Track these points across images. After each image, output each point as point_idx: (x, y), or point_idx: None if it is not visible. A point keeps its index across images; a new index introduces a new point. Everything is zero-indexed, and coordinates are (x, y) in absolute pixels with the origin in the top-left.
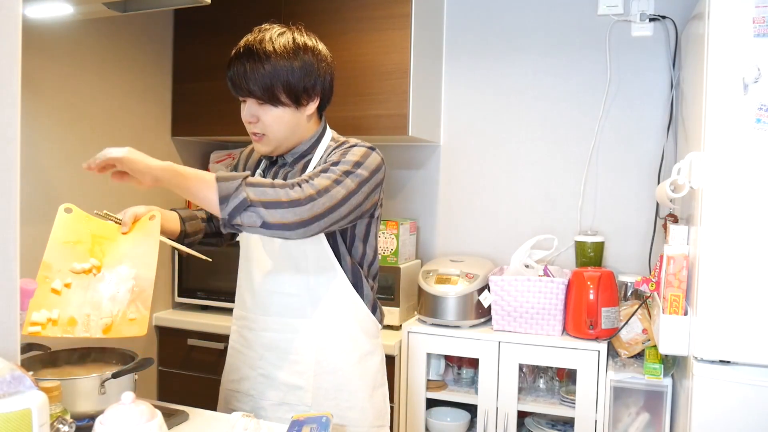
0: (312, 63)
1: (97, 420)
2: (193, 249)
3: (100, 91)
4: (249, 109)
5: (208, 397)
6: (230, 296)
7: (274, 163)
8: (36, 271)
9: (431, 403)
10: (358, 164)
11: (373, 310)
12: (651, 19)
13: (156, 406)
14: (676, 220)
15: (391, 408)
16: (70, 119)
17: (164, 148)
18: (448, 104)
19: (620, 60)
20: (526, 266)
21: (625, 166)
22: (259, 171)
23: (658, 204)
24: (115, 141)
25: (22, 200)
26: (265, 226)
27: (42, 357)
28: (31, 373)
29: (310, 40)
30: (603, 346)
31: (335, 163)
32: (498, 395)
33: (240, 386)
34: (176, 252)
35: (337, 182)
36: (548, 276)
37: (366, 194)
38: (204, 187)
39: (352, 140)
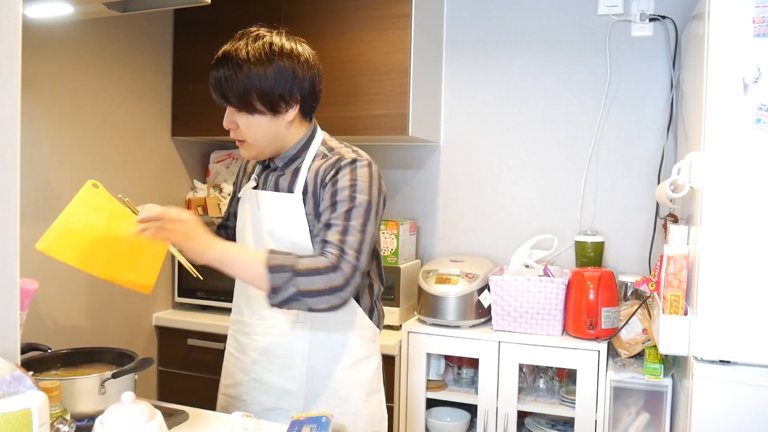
0: (287, 68)
1: (97, 420)
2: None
3: (100, 91)
4: (228, 116)
5: (208, 397)
6: (230, 296)
7: (267, 167)
8: (36, 271)
9: (431, 403)
10: (369, 204)
11: (371, 315)
12: (651, 19)
13: (156, 406)
14: (676, 220)
15: (391, 408)
16: (70, 119)
17: (164, 148)
18: (448, 104)
19: (620, 60)
20: (526, 266)
21: (625, 166)
22: (254, 176)
23: (658, 204)
24: (114, 141)
25: (22, 200)
26: (312, 311)
27: (42, 357)
28: (31, 373)
29: (289, 44)
30: (603, 346)
31: (349, 212)
32: (498, 395)
33: (234, 391)
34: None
35: (361, 243)
36: (548, 276)
37: (379, 221)
38: (256, 278)
39: (345, 153)
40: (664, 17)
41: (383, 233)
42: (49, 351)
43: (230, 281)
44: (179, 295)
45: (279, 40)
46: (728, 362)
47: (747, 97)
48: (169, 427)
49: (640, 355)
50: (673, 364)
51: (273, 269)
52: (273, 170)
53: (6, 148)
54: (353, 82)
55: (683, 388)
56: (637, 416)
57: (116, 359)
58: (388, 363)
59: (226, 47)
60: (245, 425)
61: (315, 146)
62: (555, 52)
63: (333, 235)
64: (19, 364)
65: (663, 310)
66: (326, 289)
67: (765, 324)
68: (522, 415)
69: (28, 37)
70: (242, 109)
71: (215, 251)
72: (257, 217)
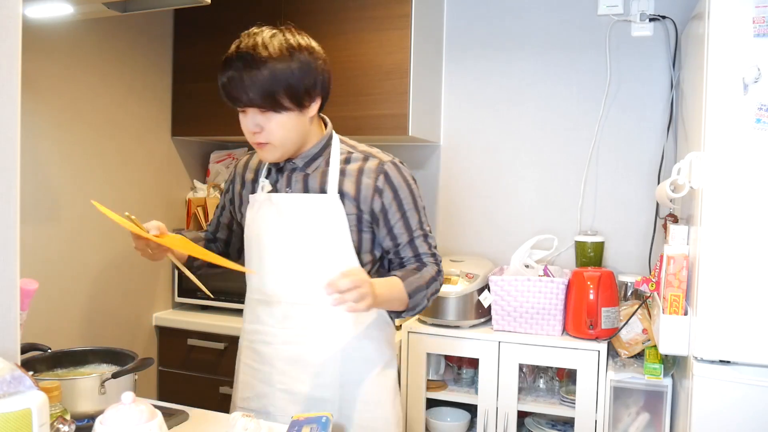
0: (310, 62)
1: (97, 420)
2: (200, 271)
3: (100, 91)
4: (251, 119)
5: (208, 397)
6: (230, 296)
7: (280, 168)
8: (36, 271)
9: (431, 403)
10: (422, 203)
11: (392, 318)
12: (651, 19)
13: (156, 406)
14: (676, 220)
15: None
16: (70, 119)
17: (164, 148)
18: (448, 104)
19: (620, 60)
20: (526, 266)
21: (625, 166)
22: (262, 178)
23: (658, 204)
24: (114, 141)
25: (22, 200)
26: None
27: (42, 357)
28: (31, 373)
29: (303, 39)
30: (603, 346)
31: (420, 219)
32: (498, 395)
33: (256, 404)
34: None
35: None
36: (548, 276)
37: None
38: (401, 306)
39: (375, 152)
40: (664, 17)
41: None
42: (49, 351)
43: (230, 281)
44: (179, 295)
45: (293, 36)
46: (728, 362)
47: (747, 97)
48: (169, 427)
49: (640, 355)
50: (673, 364)
51: (412, 294)
52: (292, 170)
53: (6, 148)
54: (353, 82)
55: (683, 388)
56: (637, 416)
57: (116, 359)
58: None
59: (240, 46)
60: (245, 425)
61: (336, 144)
62: (555, 52)
63: (422, 246)
64: (19, 364)
65: (663, 310)
66: (438, 290)
67: (765, 324)
68: (522, 415)
69: (28, 37)
70: (269, 109)
71: (383, 303)
72: (280, 221)
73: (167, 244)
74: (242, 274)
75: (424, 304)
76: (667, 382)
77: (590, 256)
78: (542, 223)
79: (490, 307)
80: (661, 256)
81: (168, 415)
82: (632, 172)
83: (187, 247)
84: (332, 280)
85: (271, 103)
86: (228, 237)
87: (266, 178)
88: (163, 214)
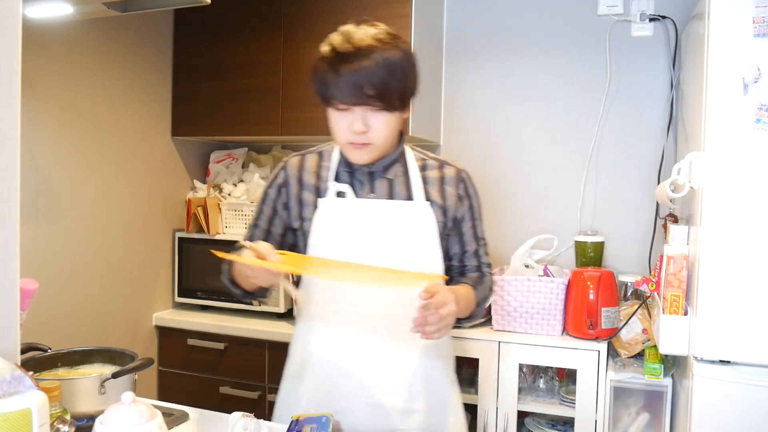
0: (414, 62)
1: (97, 420)
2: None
3: (100, 91)
4: (361, 118)
5: (208, 397)
6: (230, 296)
7: (351, 172)
8: (36, 271)
9: None
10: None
11: None
12: (651, 19)
13: (156, 406)
14: (676, 220)
15: None
16: (70, 119)
17: (164, 148)
18: (448, 104)
19: (620, 60)
20: (526, 266)
21: (625, 166)
22: (332, 181)
23: (658, 204)
24: (115, 141)
25: (22, 200)
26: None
27: (42, 357)
28: (31, 373)
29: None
30: (603, 346)
31: (482, 229)
32: (498, 395)
33: (338, 419)
34: (176, 251)
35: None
36: (548, 276)
37: None
38: (466, 313)
39: (447, 160)
40: (664, 17)
41: None
42: (49, 351)
43: None
44: (179, 295)
45: (390, 31)
46: (728, 362)
47: (747, 97)
48: (169, 427)
49: (640, 355)
50: (673, 364)
51: (479, 303)
52: (370, 174)
53: (6, 148)
54: None
55: (683, 388)
56: (637, 416)
57: (116, 359)
58: None
59: (355, 41)
60: (245, 425)
61: (408, 150)
62: (555, 52)
63: (484, 256)
64: (19, 364)
65: (663, 310)
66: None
67: (765, 324)
68: (522, 415)
69: (28, 37)
70: (382, 107)
71: (458, 311)
72: (364, 227)
73: (294, 268)
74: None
75: (481, 314)
76: (667, 382)
77: (590, 256)
78: (542, 223)
79: (490, 307)
80: (661, 256)
81: (168, 415)
82: (632, 172)
83: (303, 262)
84: (419, 319)
85: (386, 101)
86: (277, 248)
87: (336, 181)
88: (163, 214)
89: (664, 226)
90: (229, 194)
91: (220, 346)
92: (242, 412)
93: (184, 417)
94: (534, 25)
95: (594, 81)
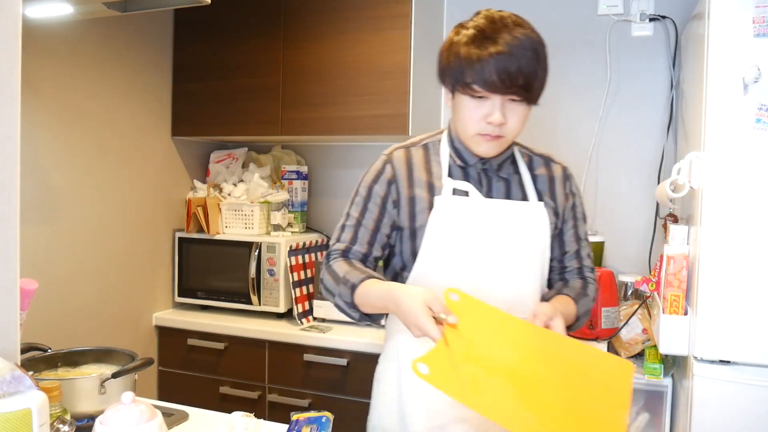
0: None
1: (97, 420)
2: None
3: (100, 90)
4: (500, 108)
5: (208, 397)
6: (230, 296)
7: (464, 167)
8: (36, 271)
9: None
10: None
11: None
12: (651, 19)
13: (156, 406)
14: (676, 220)
15: None
16: (70, 119)
17: (164, 147)
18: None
19: (620, 60)
20: None
21: (625, 166)
22: (446, 179)
23: (658, 204)
24: (114, 141)
25: (22, 200)
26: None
27: (42, 357)
28: (31, 373)
29: None
30: (603, 346)
31: (586, 233)
32: None
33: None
34: (176, 251)
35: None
36: None
37: None
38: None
39: (552, 155)
40: (664, 17)
41: None
42: (49, 351)
43: (230, 281)
44: (179, 295)
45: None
46: (728, 362)
47: (747, 97)
48: (169, 427)
49: (640, 355)
50: (673, 364)
51: (580, 317)
52: (484, 172)
53: (6, 148)
54: (353, 82)
55: (683, 388)
56: (637, 416)
57: (116, 359)
58: None
59: (508, 24)
60: (245, 425)
61: (514, 148)
62: (555, 52)
63: (586, 259)
64: (19, 364)
65: (663, 310)
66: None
67: (765, 324)
68: None
69: (28, 37)
70: (528, 101)
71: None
72: (484, 230)
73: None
74: (243, 274)
75: (580, 327)
76: (667, 382)
77: None
78: None
79: None
80: (661, 256)
81: (168, 415)
82: (632, 172)
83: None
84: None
85: (532, 91)
86: (383, 252)
87: (449, 177)
88: (163, 214)
89: (664, 226)
90: (229, 194)
91: (220, 346)
92: (242, 412)
93: (184, 417)
94: (534, 25)
95: (594, 81)
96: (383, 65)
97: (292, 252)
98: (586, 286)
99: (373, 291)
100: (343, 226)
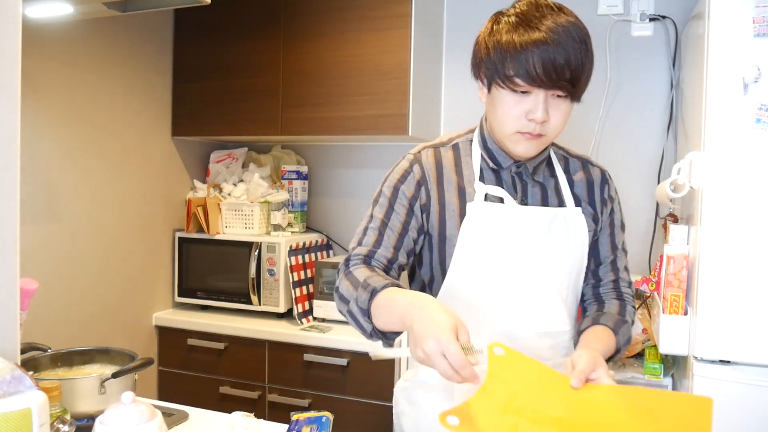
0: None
1: (97, 420)
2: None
3: (100, 90)
4: (543, 104)
5: (208, 397)
6: (230, 296)
7: (496, 170)
8: (36, 271)
9: None
10: None
11: None
12: (651, 19)
13: (156, 406)
14: (676, 220)
15: (390, 408)
16: (70, 119)
17: (164, 148)
18: (448, 104)
19: (620, 60)
20: None
21: (625, 166)
22: (478, 183)
23: (658, 204)
24: (114, 141)
25: (22, 200)
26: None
27: (42, 357)
28: (31, 373)
29: None
30: None
31: (623, 243)
32: None
33: None
34: (176, 250)
35: None
36: None
37: None
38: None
39: (588, 157)
40: (664, 17)
41: None
42: (49, 351)
43: (230, 281)
44: (179, 295)
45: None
46: (728, 362)
47: (747, 97)
48: (169, 427)
49: (640, 355)
50: (673, 364)
51: (620, 349)
52: (519, 177)
53: (6, 148)
54: (353, 82)
55: (683, 388)
56: None
57: (116, 359)
58: (389, 363)
59: (562, 14)
60: (245, 425)
61: (550, 149)
62: None
63: (623, 272)
64: (19, 364)
65: (663, 310)
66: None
67: (765, 324)
68: None
69: (28, 37)
70: (571, 96)
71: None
72: (517, 239)
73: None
74: (243, 274)
75: (617, 358)
76: (667, 382)
77: None
78: None
79: None
80: (661, 256)
81: (168, 415)
82: (632, 172)
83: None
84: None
85: (578, 87)
86: (408, 260)
87: (480, 182)
88: (163, 214)
89: (664, 226)
90: (229, 194)
91: (220, 345)
92: (242, 412)
93: (184, 417)
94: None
95: (594, 81)
96: (383, 65)
97: (292, 252)
98: (623, 308)
99: (399, 299)
100: (366, 229)
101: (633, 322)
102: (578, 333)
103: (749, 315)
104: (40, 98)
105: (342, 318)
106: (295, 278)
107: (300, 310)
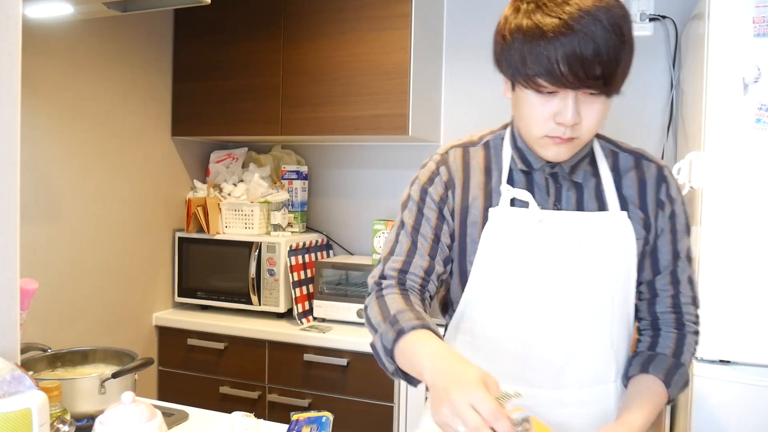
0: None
1: (97, 420)
2: None
3: (100, 90)
4: (573, 105)
5: (208, 397)
6: (230, 296)
7: (528, 171)
8: (36, 271)
9: None
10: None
11: None
12: (651, 19)
13: (156, 406)
14: None
15: (391, 408)
16: (70, 119)
17: (164, 148)
18: (448, 104)
19: None
20: None
21: None
22: (505, 186)
23: None
24: (115, 140)
25: (22, 200)
26: None
27: (42, 357)
28: (31, 373)
29: None
30: None
31: (689, 251)
32: None
33: None
34: (176, 250)
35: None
36: None
37: None
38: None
39: (642, 151)
40: (664, 17)
41: (383, 233)
42: (49, 351)
43: (230, 281)
44: (179, 295)
45: None
46: (728, 362)
47: (747, 97)
48: (169, 427)
49: None
50: None
51: (672, 400)
52: (553, 177)
53: (6, 147)
54: (353, 82)
55: None
56: None
57: (116, 359)
58: None
59: (588, 4)
60: (245, 425)
61: (595, 142)
62: None
63: (685, 286)
64: (19, 364)
65: None
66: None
67: (765, 324)
68: None
69: (28, 37)
70: (605, 93)
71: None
72: (545, 248)
73: None
74: (243, 274)
75: (683, 387)
76: None
77: None
78: None
79: None
80: None
81: (168, 415)
82: None
83: None
84: None
85: (612, 82)
86: (445, 268)
87: (508, 183)
88: (163, 214)
89: None
90: (229, 194)
91: (220, 346)
92: (242, 412)
93: (184, 417)
94: None
95: None
96: (383, 65)
97: (292, 252)
98: (681, 343)
99: (422, 351)
100: (397, 236)
101: (694, 353)
102: (625, 377)
103: (749, 315)
104: (40, 98)
105: (342, 318)
106: (295, 278)
107: (300, 310)
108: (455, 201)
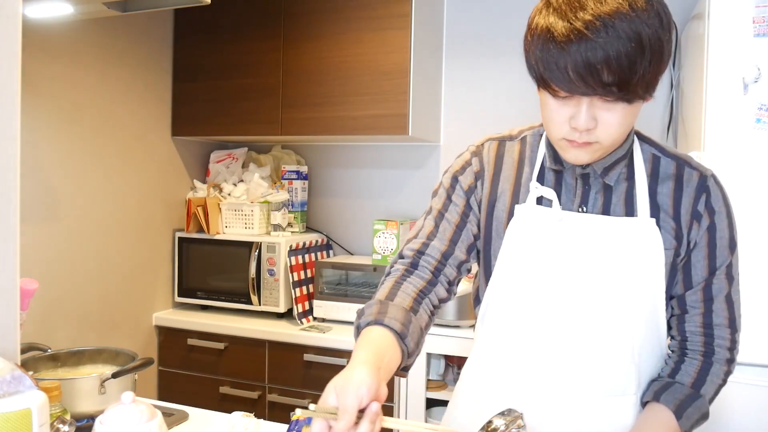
0: (672, 32)
1: (97, 420)
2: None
3: (100, 90)
4: (587, 111)
5: (208, 397)
6: (230, 296)
7: (560, 170)
8: (36, 271)
9: (431, 403)
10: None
11: None
12: None
13: (156, 406)
14: None
15: (391, 408)
16: (70, 119)
17: (164, 148)
18: (448, 104)
19: None
20: None
21: None
22: (534, 182)
23: None
24: (115, 141)
25: (22, 200)
26: None
27: (42, 357)
28: (31, 373)
29: None
30: None
31: (730, 269)
32: None
33: None
34: (176, 250)
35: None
36: None
37: None
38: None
39: (689, 159)
40: None
41: (383, 233)
42: (49, 351)
43: (230, 281)
44: (179, 295)
45: None
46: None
47: (747, 97)
48: (169, 427)
49: None
50: None
51: (685, 419)
52: (584, 179)
53: (6, 148)
54: (353, 82)
55: None
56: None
57: (116, 359)
58: None
59: (609, 3)
60: (245, 425)
61: (637, 144)
62: None
63: (721, 305)
64: (19, 364)
65: None
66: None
67: (765, 324)
68: None
69: (28, 37)
70: (624, 99)
71: None
72: (567, 250)
73: None
74: (243, 274)
75: (705, 409)
76: None
77: None
78: None
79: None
80: None
81: (168, 415)
82: None
83: None
84: None
85: (628, 89)
86: (468, 256)
87: (539, 181)
88: (163, 214)
89: None
90: (229, 194)
91: (220, 345)
92: (242, 412)
93: (184, 417)
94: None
95: None
96: (383, 65)
97: (292, 252)
98: (705, 372)
99: (359, 345)
100: (424, 220)
101: (722, 384)
102: (641, 402)
103: (749, 315)
104: (40, 98)
105: (342, 318)
106: (295, 278)
107: (300, 310)
108: (483, 192)
